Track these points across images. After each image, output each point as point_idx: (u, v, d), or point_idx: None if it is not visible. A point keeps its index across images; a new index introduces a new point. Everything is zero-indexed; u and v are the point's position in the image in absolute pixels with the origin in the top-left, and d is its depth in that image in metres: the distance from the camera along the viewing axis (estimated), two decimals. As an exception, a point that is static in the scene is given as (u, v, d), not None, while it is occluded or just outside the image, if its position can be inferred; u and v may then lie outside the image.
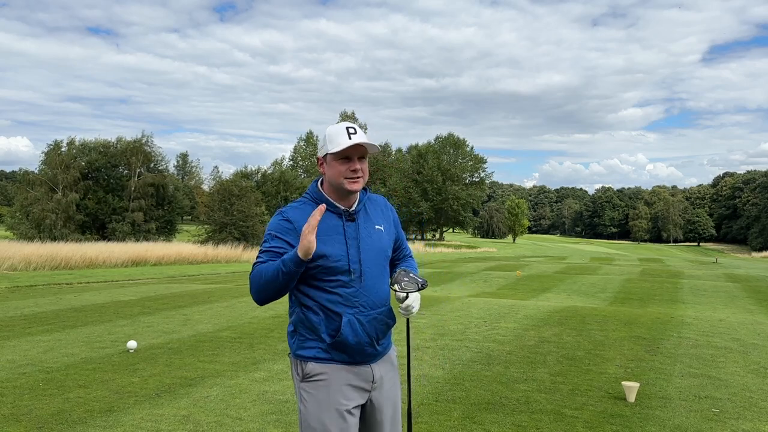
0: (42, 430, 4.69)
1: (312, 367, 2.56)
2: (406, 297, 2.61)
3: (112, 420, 4.93)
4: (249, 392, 5.76)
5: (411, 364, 2.93)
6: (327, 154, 2.58)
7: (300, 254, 2.35)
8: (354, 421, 2.58)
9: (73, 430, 4.70)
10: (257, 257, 2.54)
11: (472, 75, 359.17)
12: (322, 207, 2.39)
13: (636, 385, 5.69)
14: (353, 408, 2.58)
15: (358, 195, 2.67)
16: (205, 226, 45.85)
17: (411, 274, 2.63)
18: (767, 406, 5.61)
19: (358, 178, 2.57)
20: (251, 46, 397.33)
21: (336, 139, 2.55)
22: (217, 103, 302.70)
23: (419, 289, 2.59)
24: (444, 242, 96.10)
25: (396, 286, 2.58)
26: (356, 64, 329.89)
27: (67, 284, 18.67)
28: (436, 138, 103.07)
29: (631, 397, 5.63)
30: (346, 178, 2.56)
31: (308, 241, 2.34)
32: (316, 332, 2.57)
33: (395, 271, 2.66)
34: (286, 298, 2.71)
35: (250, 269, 2.53)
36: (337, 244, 2.55)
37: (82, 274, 22.92)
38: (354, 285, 2.56)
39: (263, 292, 2.46)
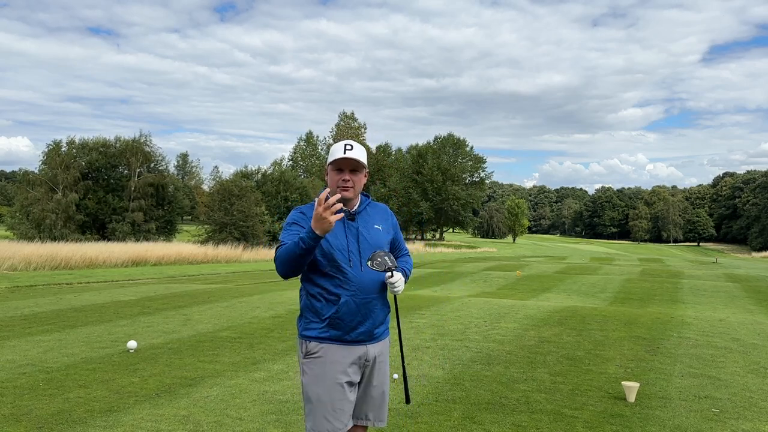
0: (42, 430, 4.69)
1: (312, 345, 3.01)
2: (392, 275, 2.98)
3: (112, 420, 4.93)
4: (249, 392, 5.76)
5: (404, 354, 3.24)
6: (328, 164, 3.08)
7: (316, 230, 2.72)
8: (347, 394, 2.99)
9: (73, 430, 4.70)
10: (280, 240, 2.99)
11: (472, 75, 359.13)
12: (337, 196, 2.76)
13: (636, 385, 5.69)
14: (346, 382, 2.99)
15: (358, 199, 3.14)
16: (205, 226, 45.82)
17: (385, 257, 2.99)
18: (767, 406, 5.62)
19: (348, 187, 3.04)
20: (252, 46, 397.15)
21: (335, 153, 3.05)
22: (217, 103, 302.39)
23: (385, 271, 2.96)
24: (444, 242, 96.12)
25: (369, 263, 2.97)
26: (357, 65, 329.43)
27: (67, 284, 18.67)
28: (436, 138, 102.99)
29: (631, 397, 5.63)
30: (338, 186, 3.04)
31: (329, 222, 2.69)
32: (318, 315, 3.02)
33: (375, 251, 3.02)
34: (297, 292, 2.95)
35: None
36: (340, 237, 3.02)
37: (82, 274, 22.92)
38: (352, 271, 3.00)
39: (286, 264, 2.87)
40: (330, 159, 3.05)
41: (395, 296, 3.18)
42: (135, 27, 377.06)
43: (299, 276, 3.03)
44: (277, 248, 2.97)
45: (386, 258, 2.99)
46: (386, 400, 3.19)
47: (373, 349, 3.09)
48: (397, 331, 3.27)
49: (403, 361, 3.29)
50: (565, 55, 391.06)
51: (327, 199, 2.71)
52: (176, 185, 62.97)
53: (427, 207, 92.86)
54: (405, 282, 3.11)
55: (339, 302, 2.96)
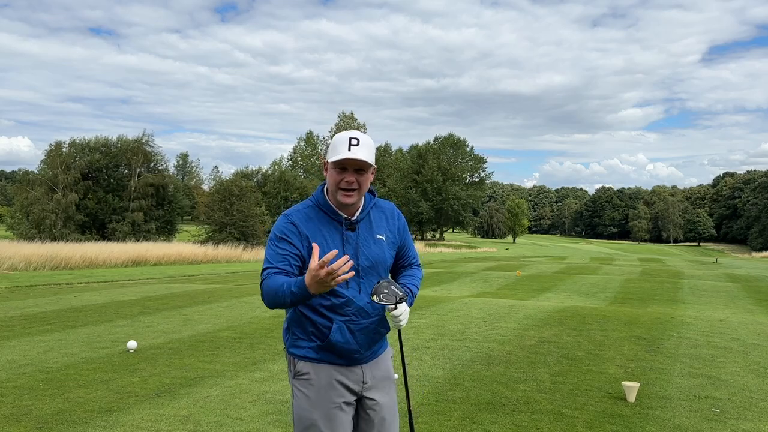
0: (42, 430, 4.69)
1: (302, 366, 2.64)
2: (395, 307, 2.55)
3: (112, 420, 4.93)
4: (249, 392, 5.76)
5: (407, 369, 2.85)
6: (329, 160, 2.57)
7: (312, 291, 2.33)
8: (344, 418, 2.61)
9: (73, 430, 4.70)
10: (265, 262, 2.55)
11: (472, 75, 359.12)
12: (350, 264, 2.30)
13: (636, 385, 5.69)
14: (344, 404, 2.61)
15: (361, 203, 2.66)
16: (205, 226, 45.85)
17: (392, 287, 2.56)
18: (767, 406, 5.61)
19: (352, 190, 2.54)
20: (252, 46, 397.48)
21: (337, 148, 2.53)
22: (217, 103, 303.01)
23: (396, 303, 2.53)
24: (444, 242, 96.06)
25: (374, 297, 2.51)
26: (357, 65, 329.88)
27: (67, 284, 18.67)
28: (436, 138, 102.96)
29: (631, 397, 5.63)
30: (340, 188, 2.54)
31: (327, 286, 2.30)
32: (306, 334, 2.63)
33: (378, 281, 2.59)
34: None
35: (260, 272, 2.56)
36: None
37: (82, 274, 22.92)
38: (349, 294, 2.57)
39: (273, 303, 2.48)
40: (331, 156, 2.52)
41: (399, 330, 2.73)
42: (136, 27, 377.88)
43: None
44: (263, 272, 2.52)
45: (393, 288, 2.55)
46: (396, 423, 2.77)
47: (369, 371, 2.68)
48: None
49: (408, 399, 2.89)
50: (566, 55, 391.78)
51: (334, 259, 2.26)
52: (176, 185, 62.98)
53: (427, 207, 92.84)
54: (411, 304, 2.68)
55: (331, 328, 2.56)
